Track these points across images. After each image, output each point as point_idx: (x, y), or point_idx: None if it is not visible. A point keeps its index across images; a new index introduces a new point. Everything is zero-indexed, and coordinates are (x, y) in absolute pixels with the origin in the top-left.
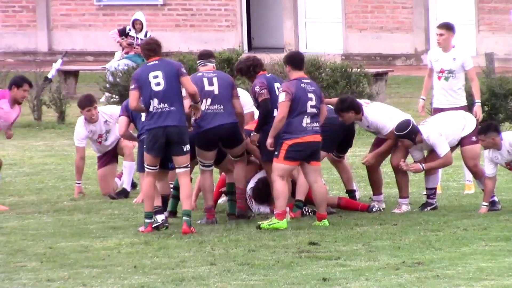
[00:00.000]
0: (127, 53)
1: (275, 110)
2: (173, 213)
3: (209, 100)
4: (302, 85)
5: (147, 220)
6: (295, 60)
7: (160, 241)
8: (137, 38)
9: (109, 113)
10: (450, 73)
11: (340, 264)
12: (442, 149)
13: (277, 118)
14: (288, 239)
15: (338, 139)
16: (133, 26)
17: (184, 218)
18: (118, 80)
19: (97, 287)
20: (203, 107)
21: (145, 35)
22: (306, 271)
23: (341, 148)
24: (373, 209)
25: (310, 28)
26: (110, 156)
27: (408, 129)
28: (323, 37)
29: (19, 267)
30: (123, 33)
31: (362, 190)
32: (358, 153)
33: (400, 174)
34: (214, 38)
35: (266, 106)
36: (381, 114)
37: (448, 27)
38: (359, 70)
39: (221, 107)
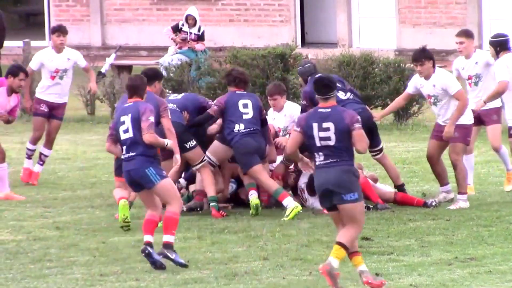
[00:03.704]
0: (180, 48)
1: None
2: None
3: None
4: None
5: (212, 204)
6: None
7: (213, 236)
8: (191, 33)
9: None
10: (477, 78)
11: (392, 260)
12: (502, 75)
13: None
14: None
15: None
16: (186, 21)
17: (211, 204)
18: (171, 75)
19: (150, 282)
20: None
21: (199, 30)
22: None
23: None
24: (433, 204)
25: (363, 23)
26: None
27: (503, 39)
28: (377, 33)
29: (71, 261)
30: (176, 29)
31: (415, 185)
32: (411, 148)
33: (458, 168)
34: (268, 33)
35: None
36: (449, 73)
37: (467, 35)
38: (412, 65)
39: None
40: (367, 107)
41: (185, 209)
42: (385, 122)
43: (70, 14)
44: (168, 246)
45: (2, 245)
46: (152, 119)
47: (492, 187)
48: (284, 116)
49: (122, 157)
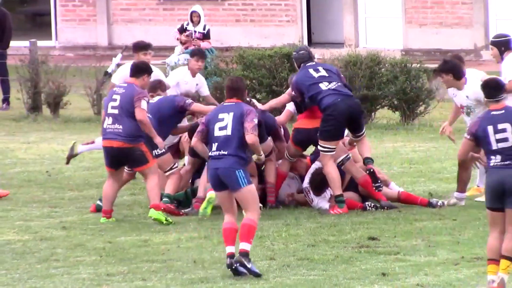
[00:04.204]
0: (186, 48)
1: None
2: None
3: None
4: None
5: (164, 200)
6: None
7: (219, 235)
8: (195, 31)
9: None
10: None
11: (399, 259)
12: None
13: None
14: (348, 234)
15: (343, 122)
16: (191, 19)
17: (163, 200)
18: None
19: (156, 281)
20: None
21: (204, 28)
22: (366, 266)
23: (353, 129)
24: (439, 204)
25: (370, 24)
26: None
27: (505, 39)
28: (383, 33)
29: (78, 261)
30: (181, 30)
31: (422, 185)
32: (418, 148)
33: (464, 169)
34: (275, 33)
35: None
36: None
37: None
38: (418, 65)
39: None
40: (352, 97)
41: (183, 211)
42: (391, 122)
43: (77, 14)
44: (244, 254)
45: (8, 245)
46: (256, 121)
47: None
48: None
49: (211, 154)
